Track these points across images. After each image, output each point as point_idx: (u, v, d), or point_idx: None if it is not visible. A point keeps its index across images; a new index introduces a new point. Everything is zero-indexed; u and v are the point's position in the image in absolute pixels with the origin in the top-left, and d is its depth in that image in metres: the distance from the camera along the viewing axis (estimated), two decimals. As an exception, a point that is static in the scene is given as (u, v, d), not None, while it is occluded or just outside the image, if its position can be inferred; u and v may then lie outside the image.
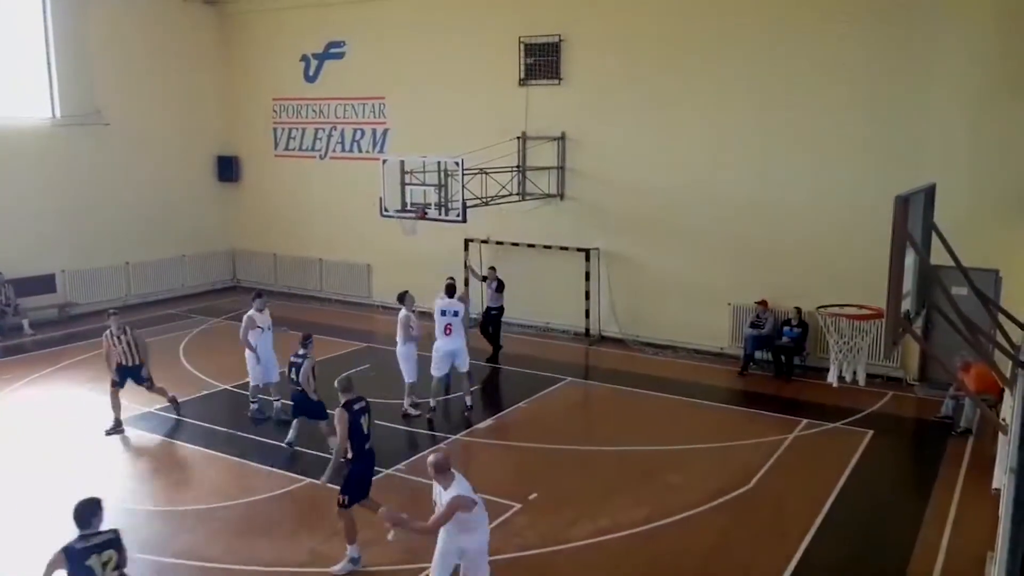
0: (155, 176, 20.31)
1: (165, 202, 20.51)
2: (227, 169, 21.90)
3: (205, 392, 13.29)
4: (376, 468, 10.08)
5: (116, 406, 11.59)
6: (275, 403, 12.08)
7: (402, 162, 15.04)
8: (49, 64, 18.28)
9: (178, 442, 11.26)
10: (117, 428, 11.53)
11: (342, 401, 8.01)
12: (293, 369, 10.71)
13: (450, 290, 12.59)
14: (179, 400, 12.30)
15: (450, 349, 12.12)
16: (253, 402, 12.09)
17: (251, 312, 12.19)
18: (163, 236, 20.42)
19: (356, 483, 8.10)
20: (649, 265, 16.20)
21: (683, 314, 15.84)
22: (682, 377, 14.25)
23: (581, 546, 8.38)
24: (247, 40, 21.52)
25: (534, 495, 9.40)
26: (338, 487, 8.17)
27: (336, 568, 7.90)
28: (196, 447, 11.00)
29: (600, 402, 13.55)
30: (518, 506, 9.12)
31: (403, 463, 10.41)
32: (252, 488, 9.78)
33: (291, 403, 11.01)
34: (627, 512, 9.06)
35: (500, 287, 15.39)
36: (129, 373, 11.73)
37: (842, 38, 13.95)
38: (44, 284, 18.16)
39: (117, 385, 11.62)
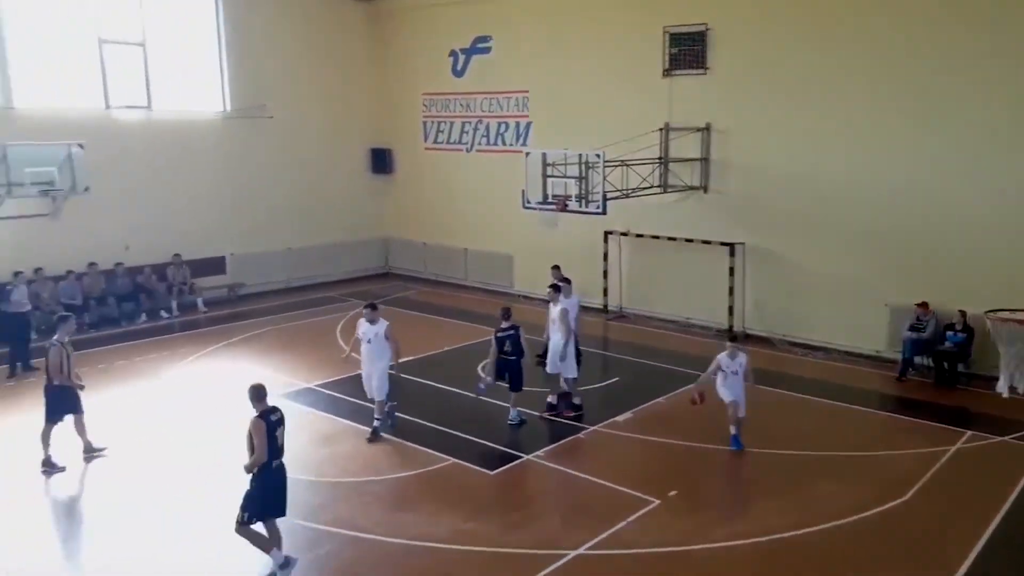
0: (314, 167, 21.53)
1: (323, 192, 21.71)
2: (381, 161, 22.91)
3: (359, 372, 13.97)
4: (517, 453, 10.41)
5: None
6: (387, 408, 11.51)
7: (544, 155, 15.23)
8: (221, 63, 19.74)
9: (333, 417, 11.89)
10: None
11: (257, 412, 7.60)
12: (508, 341, 11.28)
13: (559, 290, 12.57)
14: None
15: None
16: (377, 418, 11.46)
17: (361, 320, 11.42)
18: (321, 224, 21.63)
19: (261, 495, 7.59)
20: (799, 261, 15.60)
21: (835, 314, 15.16)
22: (833, 380, 13.65)
23: (719, 547, 8.24)
24: (399, 36, 22.37)
25: (673, 492, 9.32)
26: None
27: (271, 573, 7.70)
28: (349, 423, 11.59)
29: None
30: (656, 502, 9.08)
31: (542, 450, 10.58)
32: (403, 464, 10.24)
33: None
34: (770, 517, 8.82)
35: (558, 286, 13.80)
36: None
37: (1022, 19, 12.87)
38: (215, 266, 19.73)
39: None
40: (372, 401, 11.21)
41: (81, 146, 16.02)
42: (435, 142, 22.00)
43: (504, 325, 11.48)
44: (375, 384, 11.08)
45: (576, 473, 9.88)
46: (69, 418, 10.35)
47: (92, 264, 17.29)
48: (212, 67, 19.71)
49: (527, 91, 19.68)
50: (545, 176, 15.06)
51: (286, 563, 7.63)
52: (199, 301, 18.64)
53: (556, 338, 11.96)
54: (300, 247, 21.25)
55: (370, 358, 11.03)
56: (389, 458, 10.49)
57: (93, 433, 10.53)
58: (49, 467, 10.00)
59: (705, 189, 16.63)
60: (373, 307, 11.13)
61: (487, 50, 20.43)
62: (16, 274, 14.71)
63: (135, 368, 14.21)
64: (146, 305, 17.86)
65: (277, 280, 20.71)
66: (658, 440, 11.00)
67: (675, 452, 10.65)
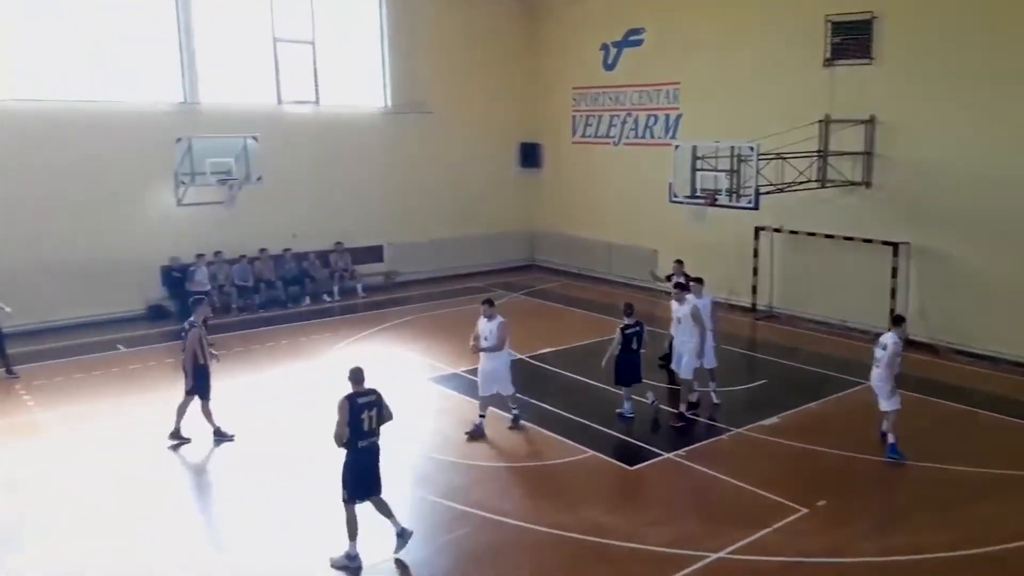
0: (467, 161, 22.16)
1: (474, 185, 22.32)
2: (530, 155, 23.28)
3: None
4: (657, 451, 10.37)
5: None
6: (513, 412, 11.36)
7: (694, 147, 14.96)
8: (383, 60, 20.70)
9: (476, 402, 12.13)
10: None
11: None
12: (635, 338, 11.28)
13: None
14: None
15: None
16: (514, 408, 11.44)
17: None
18: (471, 216, 22.27)
19: (350, 477, 7.73)
20: (971, 264, 14.51)
21: (1010, 322, 14.02)
22: (1005, 393, 12.64)
23: (870, 563, 7.88)
24: (552, 32, 22.58)
25: (822, 502, 8.99)
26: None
27: (333, 557, 7.83)
28: (491, 408, 11.90)
29: (902, 412, 12.50)
30: (804, 511, 8.79)
31: (683, 449, 10.48)
32: (542, 454, 10.46)
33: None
34: (927, 534, 8.34)
35: (685, 284, 12.81)
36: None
37: None
38: (374, 254, 20.79)
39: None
40: (481, 396, 11.08)
41: (255, 139, 17.29)
42: (583, 136, 22.09)
43: (630, 321, 11.41)
44: (498, 381, 10.99)
45: (718, 475, 9.72)
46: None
47: (263, 250, 18.65)
48: (375, 65, 20.70)
49: (678, 83, 19.38)
50: (694, 169, 14.79)
51: (351, 558, 7.74)
52: (358, 287, 19.72)
53: (684, 338, 11.61)
54: (451, 237, 21.95)
55: (488, 354, 10.92)
56: (529, 446, 10.72)
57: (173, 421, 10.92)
58: (178, 439, 10.62)
59: (867, 184, 15.79)
60: (490, 303, 10.98)
61: (639, 43, 20.27)
62: (198, 256, 16.07)
63: (299, 347, 15.23)
64: (310, 289, 19.08)
65: (429, 269, 21.53)
66: (807, 447, 10.60)
67: (825, 460, 10.24)
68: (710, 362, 11.89)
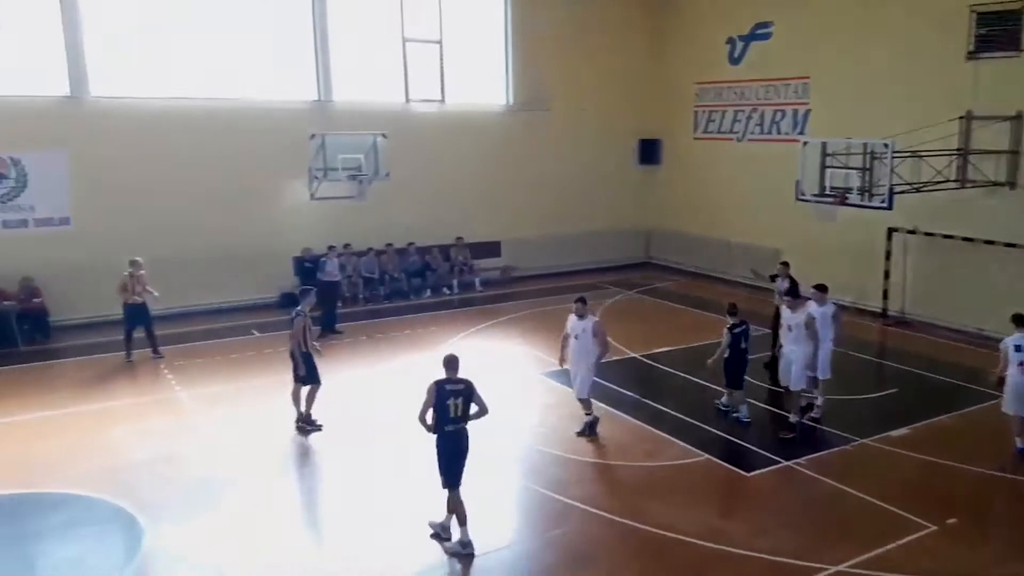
0: (586, 158, 22.20)
1: (592, 182, 22.34)
2: (649, 152, 23.09)
3: (616, 358, 14.36)
4: (776, 458, 10.14)
5: None
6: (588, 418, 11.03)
7: (824, 144, 14.47)
8: (507, 58, 21.02)
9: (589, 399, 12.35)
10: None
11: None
12: (743, 338, 11.15)
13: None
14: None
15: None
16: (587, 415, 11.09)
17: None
18: (588, 212, 22.30)
19: (444, 462, 7.95)
20: None
21: None
22: None
23: (1004, 585, 7.50)
24: (675, 25, 22.28)
25: (953, 520, 8.57)
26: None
27: (447, 545, 8.04)
28: (604, 406, 11.92)
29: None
30: (932, 527, 8.40)
31: (803, 458, 10.21)
32: (653, 453, 10.43)
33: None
34: (1070, 560, 7.83)
35: (792, 288, 12.24)
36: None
37: None
38: (492, 249, 21.19)
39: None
40: (580, 400, 10.86)
41: (384, 136, 17.93)
42: (705, 132, 21.70)
43: (736, 320, 11.22)
44: (578, 382, 10.77)
45: (839, 486, 9.41)
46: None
47: (389, 244, 19.37)
48: (499, 63, 21.05)
49: (808, 77, 18.74)
50: (824, 167, 14.31)
51: (464, 545, 7.97)
52: (477, 281, 20.17)
53: (795, 348, 11.01)
54: (567, 234, 22.06)
55: (576, 355, 10.64)
56: (641, 445, 10.70)
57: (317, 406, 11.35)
58: (308, 424, 11.07)
59: (1011, 185, 14.83)
60: (583, 301, 10.64)
61: (766, 36, 19.72)
62: (330, 248, 16.81)
63: (418, 338, 15.75)
64: (431, 282, 19.69)
65: (545, 264, 21.72)
66: (938, 461, 10.09)
67: (958, 476, 9.73)
68: (824, 373, 11.40)
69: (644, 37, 22.72)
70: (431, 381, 7.93)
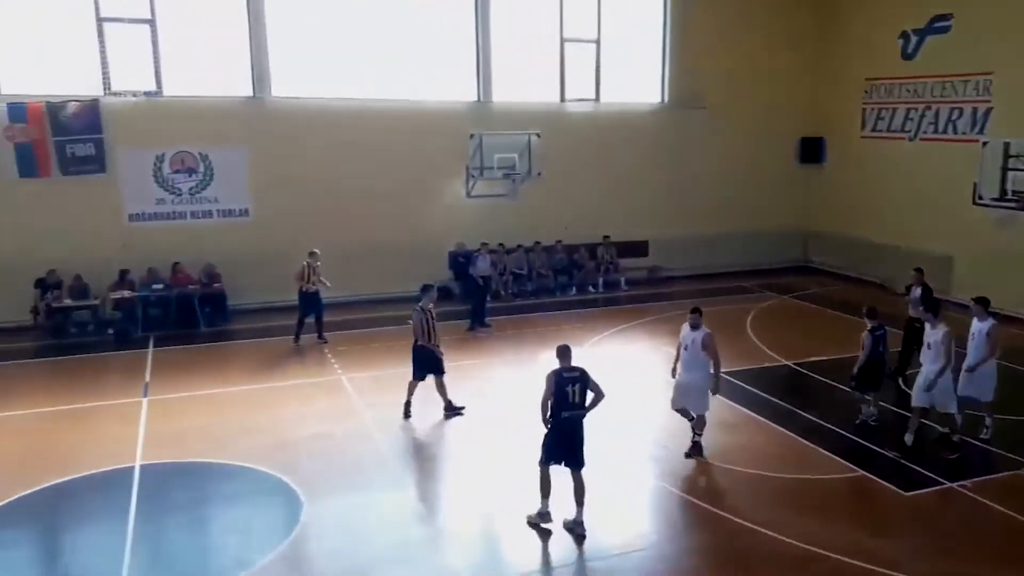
0: (741, 156, 21.63)
1: (747, 181, 21.74)
2: (811, 150, 22.17)
3: (767, 365, 13.97)
4: (938, 479, 9.54)
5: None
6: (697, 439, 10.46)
7: (1007, 144, 13.42)
8: (664, 55, 20.82)
9: (736, 405, 12.05)
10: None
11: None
12: (882, 341, 10.79)
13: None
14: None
15: None
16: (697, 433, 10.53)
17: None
18: (741, 212, 21.74)
19: (549, 441, 8.38)
20: None
21: None
22: None
23: None
24: (842, 19, 21.27)
25: None
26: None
27: (529, 514, 8.50)
28: (752, 414, 11.69)
29: None
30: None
31: (969, 480, 9.54)
32: (804, 466, 10.08)
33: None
34: None
35: (926, 298, 11.72)
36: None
37: None
38: (639, 248, 21.07)
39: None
40: (686, 413, 10.35)
41: (538, 135, 18.26)
42: (873, 130, 20.57)
43: (875, 324, 10.79)
44: (692, 397, 10.18)
45: (1011, 513, 8.74)
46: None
47: (537, 242, 19.71)
48: (654, 60, 20.88)
49: (990, 73, 17.36)
50: (1005, 169, 13.29)
51: (543, 516, 8.41)
52: (622, 280, 20.14)
53: (930, 367, 10.17)
54: (718, 234, 21.58)
55: (685, 366, 10.18)
56: (790, 456, 10.37)
57: (454, 393, 11.72)
58: (451, 410, 11.51)
59: None
60: (698, 312, 10.22)
61: (945, 30, 18.44)
62: (482, 244, 17.34)
63: (563, 334, 15.87)
64: (577, 279, 19.84)
65: (693, 266, 21.36)
66: None
67: None
68: (986, 394, 10.41)
69: (809, 31, 21.80)
70: (549, 371, 8.32)
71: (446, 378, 11.67)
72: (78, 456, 10.16)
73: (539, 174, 18.16)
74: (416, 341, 11.44)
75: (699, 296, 19.01)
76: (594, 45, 20.05)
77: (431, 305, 11.53)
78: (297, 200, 17.75)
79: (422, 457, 10.47)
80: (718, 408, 11.84)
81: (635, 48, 20.71)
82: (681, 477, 9.72)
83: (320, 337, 15.29)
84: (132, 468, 9.85)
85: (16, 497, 9.06)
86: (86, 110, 16.11)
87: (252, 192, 17.58)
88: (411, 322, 11.56)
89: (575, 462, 8.42)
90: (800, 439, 10.83)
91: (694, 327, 10.10)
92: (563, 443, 8.37)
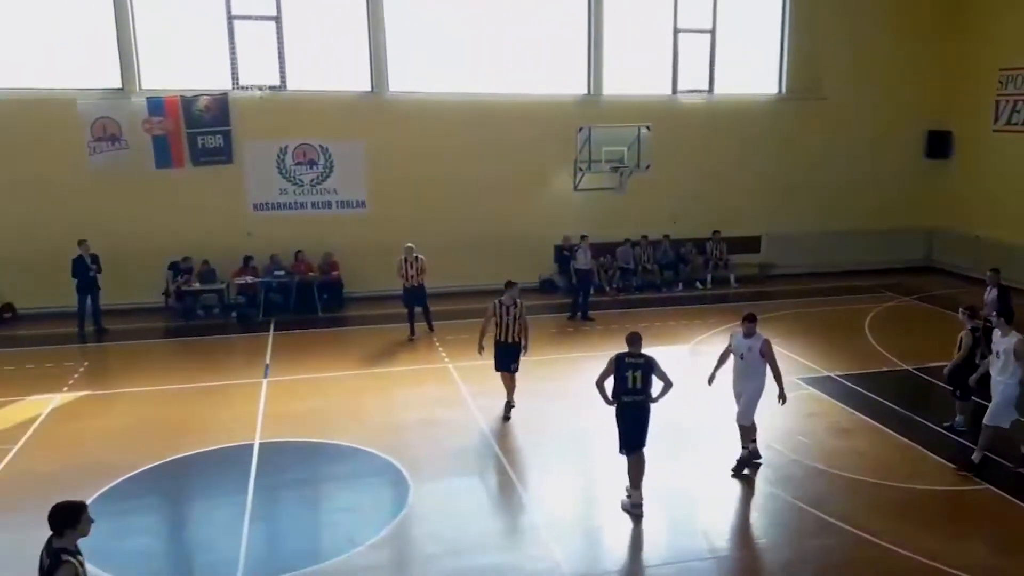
0: (862, 150, 20.76)
1: (868, 176, 20.85)
2: (938, 145, 21.02)
3: (886, 368, 13.41)
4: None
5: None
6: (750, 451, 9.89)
7: None
8: (782, 45, 20.19)
9: (850, 409, 11.64)
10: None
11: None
12: (981, 343, 10.32)
13: None
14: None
15: None
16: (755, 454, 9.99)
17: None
18: (860, 209, 20.87)
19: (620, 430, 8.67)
20: None
21: None
22: None
23: None
24: (974, 4, 20.04)
25: None
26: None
27: (623, 501, 8.74)
28: (866, 418, 11.24)
29: None
30: None
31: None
32: (920, 475, 9.64)
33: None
34: None
35: (1003, 300, 11.53)
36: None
37: None
38: (750, 244, 20.58)
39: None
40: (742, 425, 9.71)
41: (648, 128, 18.05)
42: (1009, 123, 19.30)
43: (977, 324, 10.46)
44: (741, 406, 9.60)
45: None
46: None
47: (643, 236, 19.52)
48: (772, 50, 20.27)
49: None
50: None
51: (639, 505, 8.61)
52: (732, 276, 19.70)
53: (998, 378, 9.53)
54: (835, 232, 20.79)
55: (741, 375, 9.56)
56: (910, 466, 9.92)
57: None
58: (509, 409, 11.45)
59: None
60: (752, 319, 9.54)
61: (1095, 13, 17.09)
62: (582, 237, 17.27)
63: (668, 330, 15.76)
64: (684, 275, 19.55)
65: (807, 263, 20.65)
66: None
67: None
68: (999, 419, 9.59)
69: (937, 17, 20.63)
70: (613, 354, 8.65)
71: (519, 376, 11.57)
72: (203, 431, 10.82)
73: (648, 167, 17.96)
74: (484, 334, 11.40)
75: (814, 295, 18.45)
76: (709, 35, 19.63)
77: (513, 300, 11.40)
78: (409, 193, 18.21)
79: (526, 446, 10.59)
80: (831, 412, 11.52)
81: (752, 38, 20.14)
82: (791, 482, 9.46)
83: (429, 328, 15.61)
84: (252, 445, 10.42)
85: (146, 467, 9.72)
86: (216, 103, 17.05)
87: (368, 184, 18.15)
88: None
89: (635, 443, 8.69)
90: (919, 447, 10.37)
91: (748, 335, 9.49)
92: (625, 427, 8.66)
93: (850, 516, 8.63)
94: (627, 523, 8.58)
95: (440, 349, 14.61)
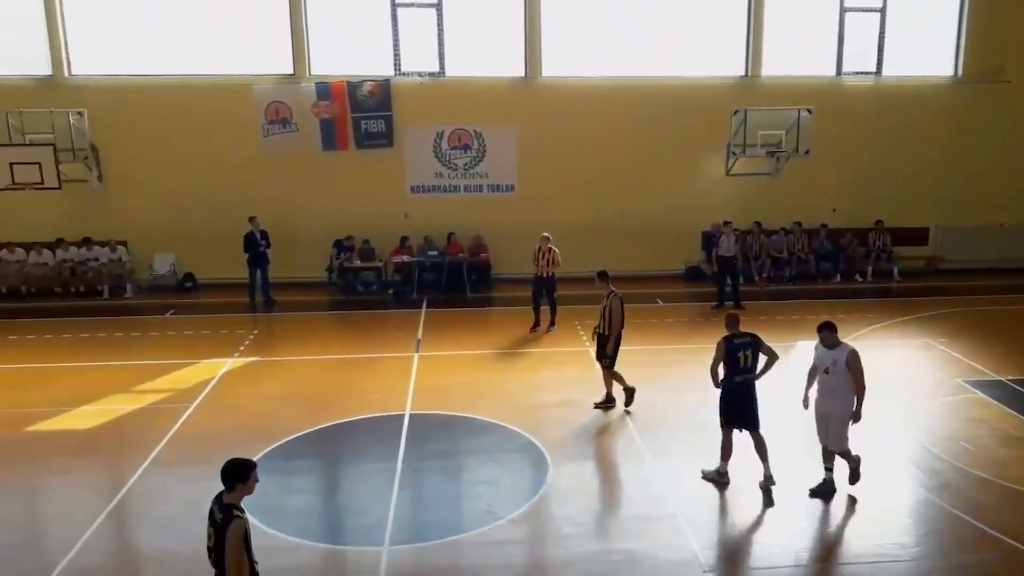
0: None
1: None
2: None
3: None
4: None
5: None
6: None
7: None
8: (960, 24, 18.72)
9: (1022, 417, 10.80)
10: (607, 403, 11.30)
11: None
12: None
13: None
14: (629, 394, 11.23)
15: None
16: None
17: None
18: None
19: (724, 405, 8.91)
20: None
21: None
22: None
23: None
24: None
25: None
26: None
27: (705, 470, 9.09)
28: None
29: None
30: None
31: None
32: (1102, 496, 8.84)
33: None
34: None
35: None
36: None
37: None
38: (917, 236, 19.38)
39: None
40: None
41: (809, 111, 17.31)
42: None
43: None
44: (832, 429, 8.60)
45: None
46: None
47: (797, 223, 18.76)
48: (948, 29, 18.89)
49: None
50: None
51: (721, 475, 8.96)
52: (895, 270, 18.64)
53: None
54: (1014, 225, 19.27)
55: (827, 393, 8.56)
56: (1089, 483, 9.12)
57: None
58: (606, 402, 11.20)
59: None
60: (829, 327, 8.49)
61: None
62: (724, 223, 16.76)
63: (808, 324, 15.03)
64: (842, 267, 18.67)
65: (982, 259, 19.18)
66: None
67: None
68: None
69: None
70: (720, 339, 8.77)
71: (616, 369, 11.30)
72: (358, 400, 11.53)
73: (807, 152, 17.24)
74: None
75: (986, 293, 17.13)
76: (878, 14, 18.49)
77: (607, 291, 11.14)
78: (558, 177, 18.40)
79: (665, 434, 10.56)
80: (999, 418, 10.78)
81: (925, 16, 18.78)
82: (949, 489, 8.92)
83: (551, 323, 15.07)
84: (403, 416, 11.00)
85: (306, 431, 10.47)
86: (380, 89, 17.90)
87: (519, 169, 18.48)
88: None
89: (751, 423, 8.88)
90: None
91: (831, 346, 8.46)
92: (736, 406, 8.85)
93: (1010, 528, 8.08)
94: (767, 519, 8.43)
95: (581, 333, 14.73)
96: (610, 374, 11.23)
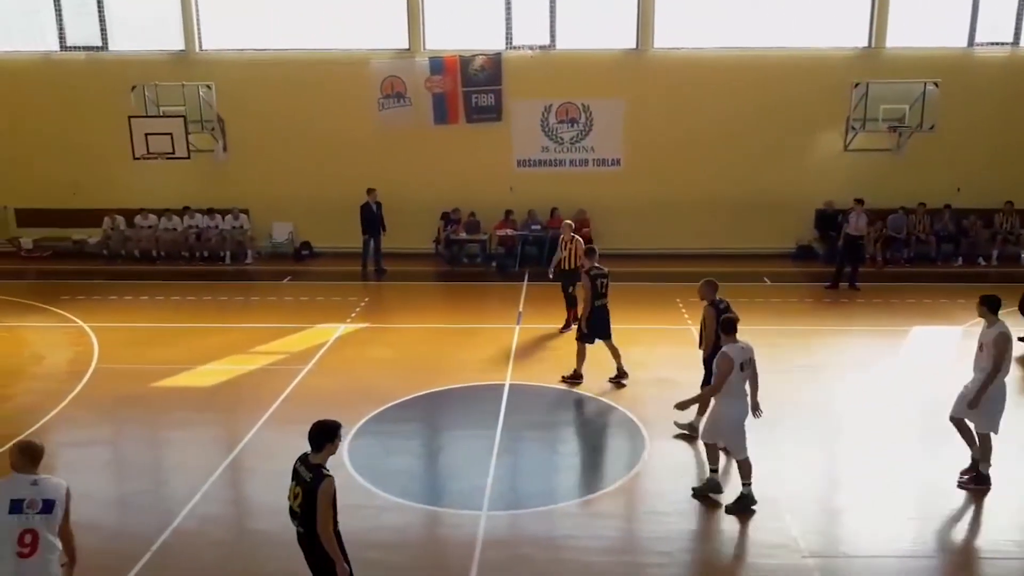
0: None
1: None
2: None
3: None
4: None
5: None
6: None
7: None
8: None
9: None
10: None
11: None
12: None
13: None
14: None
15: None
16: None
17: None
18: None
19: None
20: None
21: None
22: None
23: None
24: None
25: None
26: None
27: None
28: None
29: None
30: None
31: None
32: None
33: None
34: None
35: None
36: None
37: None
38: None
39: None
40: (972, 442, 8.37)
41: (936, 84, 16.39)
42: None
43: None
44: (978, 410, 8.05)
45: None
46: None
47: (921, 204, 17.89)
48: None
49: None
50: None
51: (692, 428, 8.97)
52: (1022, 254, 17.52)
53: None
54: None
55: (975, 370, 8.24)
56: None
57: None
58: (573, 379, 11.18)
59: None
60: (986, 303, 8.18)
61: None
62: (856, 201, 16.14)
63: (939, 310, 14.39)
64: (964, 249, 17.71)
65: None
66: None
67: None
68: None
69: None
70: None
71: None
72: (460, 368, 11.88)
73: (932, 128, 16.35)
74: (594, 302, 11.18)
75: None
76: (1021, -23, 17.26)
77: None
78: (664, 151, 18.17)
79: (766, 418, 10.34)
80: None
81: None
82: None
83: (566, 325, 13.95)
84: (503, 385, 11.26)
85: (410, 396, 10.87)
86: (491, 63, 18.09)
87: (625, 143, 18.33)
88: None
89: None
90: None
91: (990, 324, 8.09)
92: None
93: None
94: (870, 507, 8.20)
95: (682, 309, 14.58)
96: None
